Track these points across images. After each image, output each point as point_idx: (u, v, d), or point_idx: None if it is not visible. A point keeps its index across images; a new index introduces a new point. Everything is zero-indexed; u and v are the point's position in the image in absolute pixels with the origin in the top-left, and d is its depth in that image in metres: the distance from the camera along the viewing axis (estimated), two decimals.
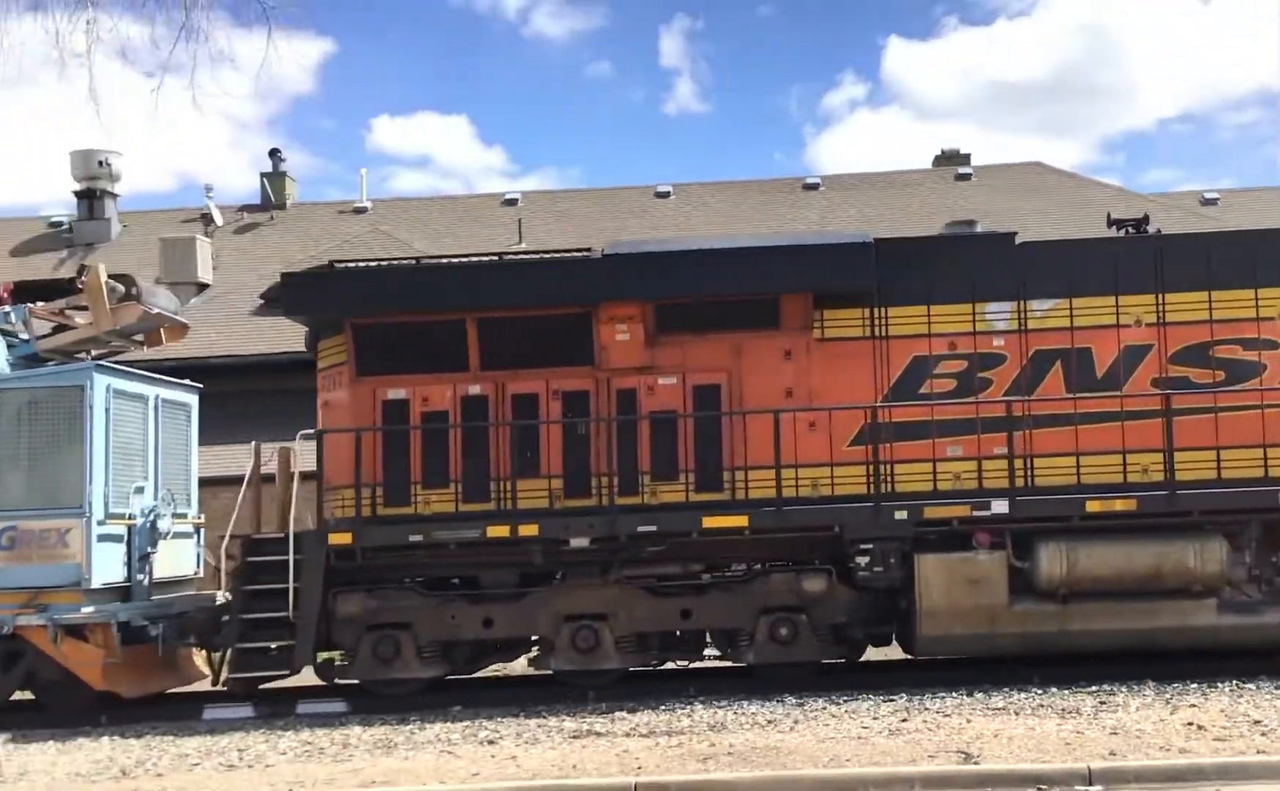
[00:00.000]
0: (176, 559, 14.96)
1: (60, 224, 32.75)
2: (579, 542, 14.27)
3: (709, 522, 14.29)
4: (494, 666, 15.71)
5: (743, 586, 14.57)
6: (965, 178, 34.05)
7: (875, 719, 12.09)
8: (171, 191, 73.42)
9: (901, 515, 14.38)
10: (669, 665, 15.40)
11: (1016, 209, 30.75)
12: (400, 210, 33.43)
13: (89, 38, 20.19)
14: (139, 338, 15.69)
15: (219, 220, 31.78)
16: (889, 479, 14.75)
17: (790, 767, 10.15)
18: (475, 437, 14.50)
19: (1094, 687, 13.41)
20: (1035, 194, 32.38)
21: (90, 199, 32.14)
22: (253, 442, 15.54)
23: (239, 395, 23.24)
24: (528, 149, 76.50)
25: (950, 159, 35.26)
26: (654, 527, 14.26)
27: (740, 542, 14.54)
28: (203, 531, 15.76)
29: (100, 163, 31.65)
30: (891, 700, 12.96)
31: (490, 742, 11.69)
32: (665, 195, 33.06)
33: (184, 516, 15.24)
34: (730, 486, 14.67)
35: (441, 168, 76.74)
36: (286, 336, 23.55)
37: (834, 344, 14.90)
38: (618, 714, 12.83)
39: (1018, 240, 15.34)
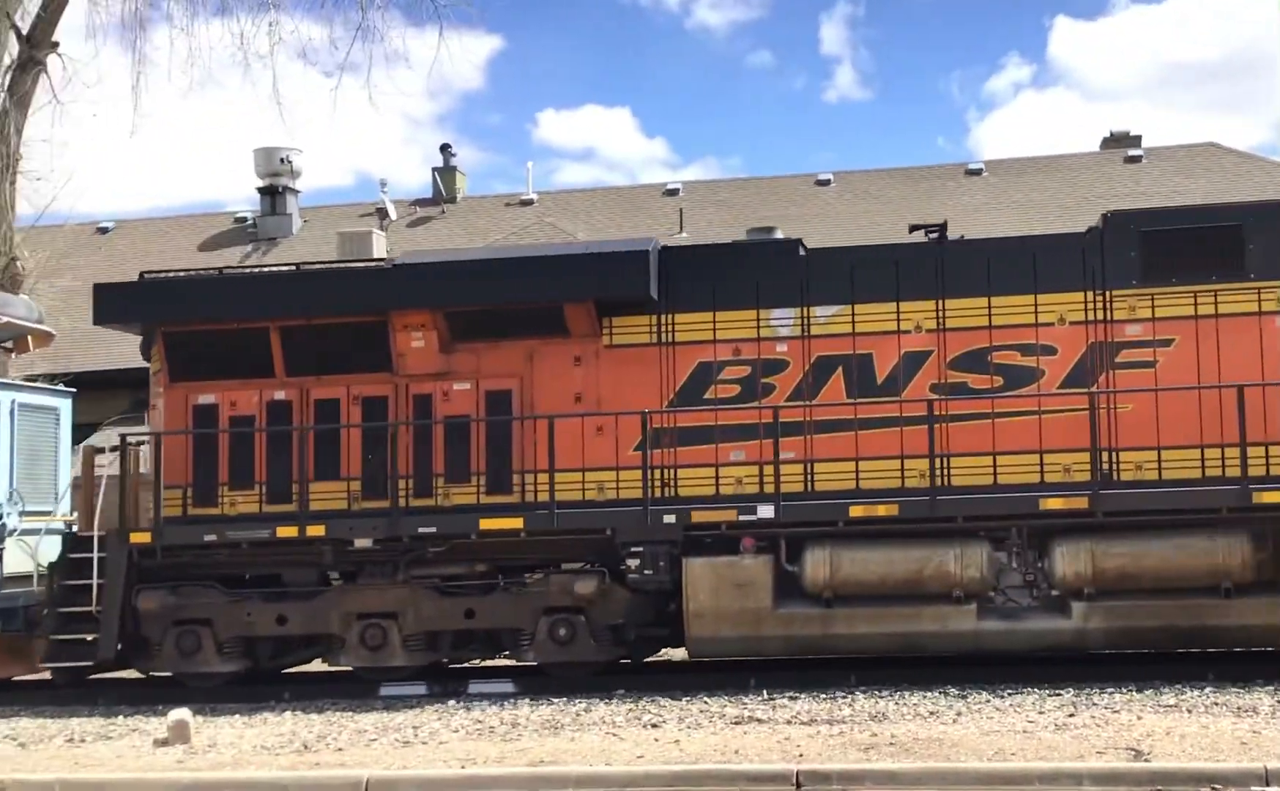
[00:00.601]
0: (23, 556, 16.39)
1: (245, 219, 34.47)
2: (363, 543, 14.90)
3: (486, 524, 14.65)
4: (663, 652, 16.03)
5: (524, 588, 14.82)
6: (1135, 160, 32.46)
7: (1041, 713, 11.87)
8: (349, 187, 76.48)
9: (670, 519, 14.35)
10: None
11: (1187, 190, 29.60)
12: (565, 202, 34.27)
13: (271, 39, 22.73)
14: (8, 345, 17.32)
15: (393, 214, 32.88)
16: (672, 483, 14.73)
17: (953, 759, 10.00)
18: (278, 441, 15.35)
19: (1272, 686, 12.83)
20: (1208, 175, 30.74)
21: (273, 195, 33.65)
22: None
23: None
24: (689, 139, 76.98)
25: (1119, 141, 33.55)
26: (434, 529, 14.73)
27: (519, 544, 14.79)
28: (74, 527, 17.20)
29: (282, 160, 33.09)
30: (1058, 694, 12.69)
31: (653, 726, 11.90)
32: (826, 183, 32.91)
33: (45, 514, 16.68)
34: (520, 489, 14.97)
35: (605, 160, 78.10)
36: None
37: (621, 350, 14.98)
38: (778, 702, 12.86)
39: (801, 249, 15.15)
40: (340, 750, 11.44)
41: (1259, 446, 13.74)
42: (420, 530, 14.73)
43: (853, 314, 14.66)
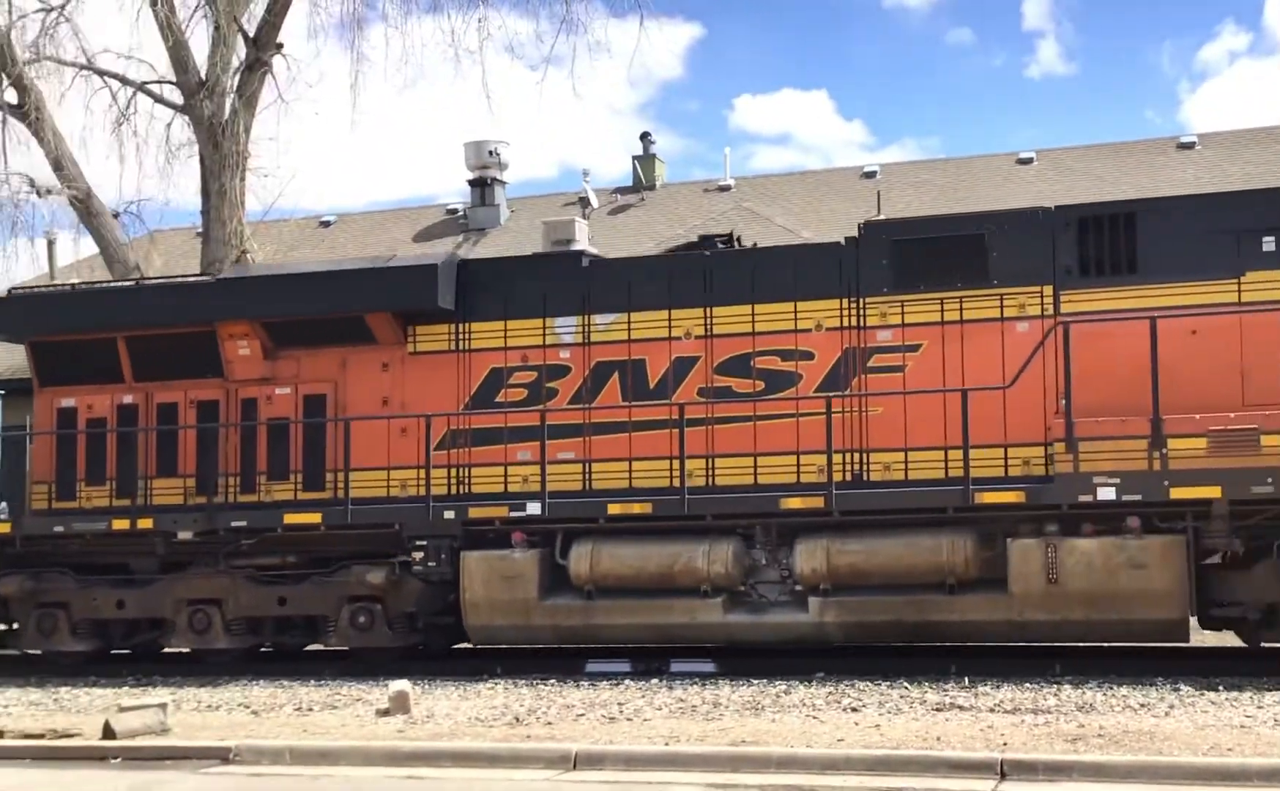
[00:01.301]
0: None
1: (456, 211, 34.61)
2: (185, 535, 16.25)
3: (290, 519, 15.90)
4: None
5: (328, 578, 15.97)
6: None
7: (1259, 708, 11.44)
8: (553, 178, 77.37)
9: (450, 515, 15.38)
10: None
11: None
12: (762, 187, 33.85)
13: (480, 35, 24.33)
14: None
15: (595, 203, 32.49)
16: (467, 481, 15.76)
17: (1165, 754, 9.59)
18: (126, 441, 16.80)
19: None
20: None
21: (482, 187, 33.77)
22: None
23: None
24: (886, 121, 75.04)
25: None
26: (245, 523, 16.02)
27: (321, 538, 15.95)
28: None
29: (490, 153, 33.14)
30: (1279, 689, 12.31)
31: (853, 710, 11.88)
32: (1028, 161, 31.54)
33: None
34: (332, 486, 16.14)
35: (801, 143, 76.29)
36: None
37: (424, 357, 16.07)
38: (981, 689, 12.74)
39: (584, 261, 16.08)
40: (549, 724, 11.72)
41: (997, 449, 14.15)
42: (233, 524, 16.02)
43: (629, 321, 15.50)
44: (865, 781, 9.34)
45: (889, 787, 9.19)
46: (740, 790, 9.36)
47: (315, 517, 15.80)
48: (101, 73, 24.67)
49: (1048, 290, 14.26)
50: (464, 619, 15.32)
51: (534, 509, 15.10)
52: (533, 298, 15.79)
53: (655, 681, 13.96)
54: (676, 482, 14.85)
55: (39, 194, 24.45)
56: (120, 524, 16.39)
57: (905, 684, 13.12)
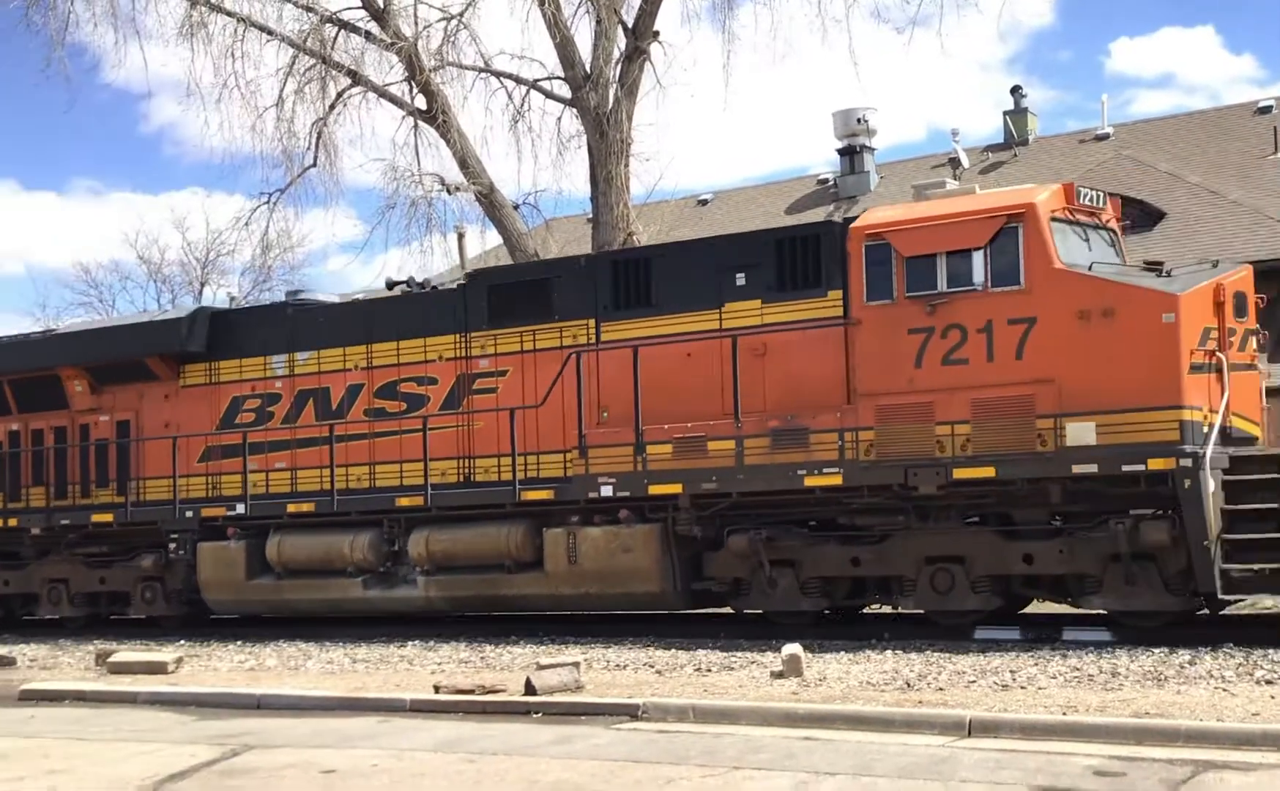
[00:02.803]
0: None
1: (826, 181, 35.34)
2: (35, 531, 21.36)
3: (95, 518, 20.76)
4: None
5: (128, 562, 20.72)
6: None
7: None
8: (922, 141, 76.28)
9: (190, 514, 19.87)
10: None
11: None
12: (1142, 133, 32.89)
13: (847, 2, 24.25)
14: None
15: (965, 163, 32.25)
16: (219, 486, 20.18)
17: None
18: (11, 460, 22.03)
19: None
20: None
21: (851, 155, 34.45)
22: None
23: None
24: None
25: None
26: (68, 521, 21.00)
27: (119, 531, 20.70)
28: None
29: (859, 120, 33.78)
30: None
31: (1267, 682, 11.35)
32: None
33: None
34: (139, 492, 20.88)
35: (1184, 84, 73.06)
36: None
37: (191, 389, 20.55)
38: None
39: (289, 310, 20.12)
40: (940, 689, 11.67)
41: (547, 454, 17.46)
42: (62, 522, 21.00)
43: (319, 357, 19.46)
44: None
45: None
46: (1145, 763, 8.93)
47: (109, 517, 20.58)
48: (498, 74, 26.21)
49: (592, 322, 17.38)
50: (202, 593, 19.75)
51: (241, 509, 19.39)
52: (257, 340, 19.98)
53: (1047, 649, 13.74)
54: (353, 486, 18.78)
55: (448, 191, 25.91)
56: (2, 522, 21.67)
57: None
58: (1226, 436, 14.03)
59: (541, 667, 12.68)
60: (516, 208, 26.22)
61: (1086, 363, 14.08)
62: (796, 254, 16.11)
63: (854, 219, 16.36)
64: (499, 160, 58.49)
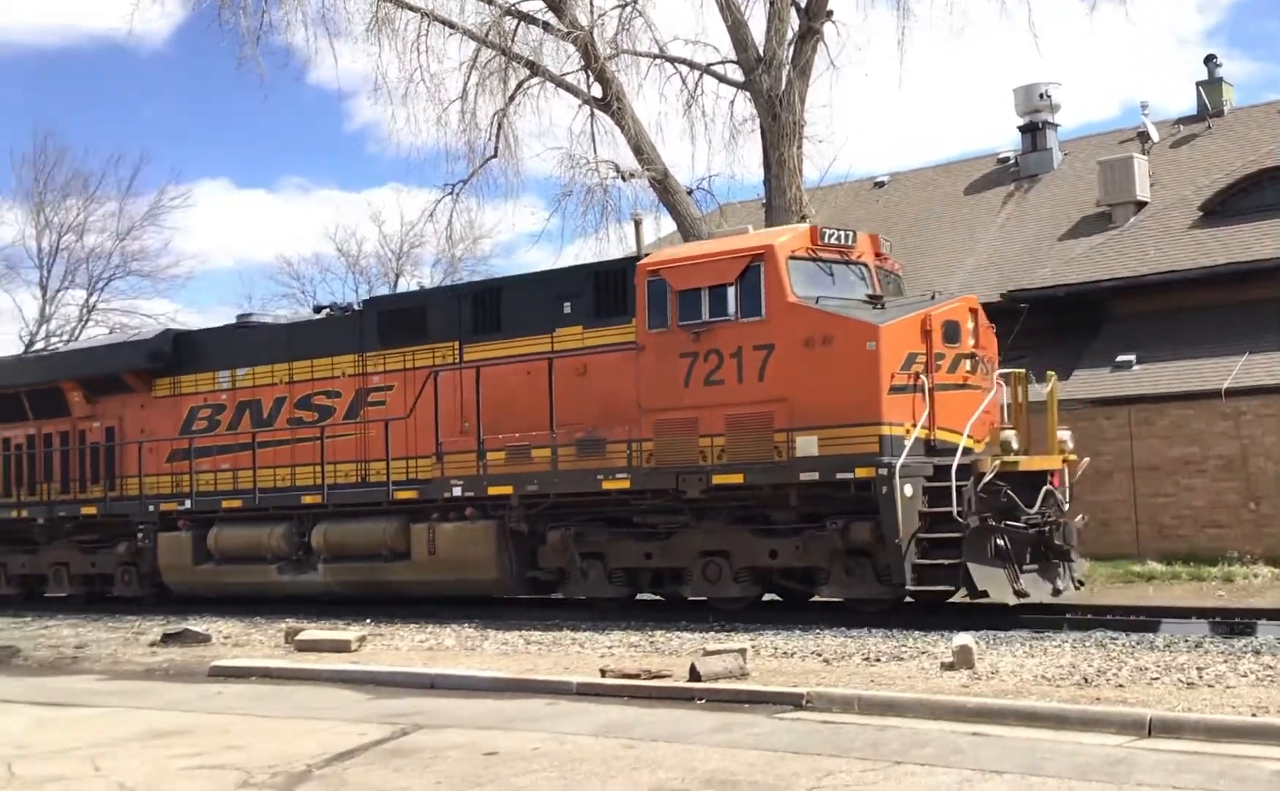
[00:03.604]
0: None
1: (1006, 160, 34.59)
2: (40, 520, 24.88)
3: (84, 510, 24.17)
4: None
5: (111, 549, 24.07)
6: None
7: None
8: (1110, 117, 74.49)
9: (152, 508, 23.08)
10: None
11: None
12: None
13: None
14: None
15: (1155, 137, 31.84)
16: (180, 484, 23.38)
17: None
18: (29, 459, 25.61)
19: None
20: None
21: (1033, 132, 33.77)
22: None
23: (1193, 310, 25.41)
24: None
25: None
26: (64, 513, 24.47)
27: (104, 522, 24.06)
28: None
29: (1041, 96, 33.20)
30: None
31: None
32: None
33: None
34: (120, 488, 24.25)
35: None
36: (1229, 247, 25.13)
37: (160, 400, 23.69)
38: None
39: (235, 331, 23.14)
40: (1120, 686, 11.21)
41: (419, 458, 20.12)
42: (60, 513, 24.47)
43: (254, 373, 22.46)
44: None
45: None
46: None
47: (94, 510, 23.97)
48: (671, 60, 26.24)
49: (457, 344, 19.98)
50: (162, 576, 22.97)
51: (188, 505, 22.53)
52: (211, 358, 23.05)
53: (1239, 645, 13.15)
54: (280, 484, 21.73)
55: (623, 178, 25.93)
56: (17, 514, 25.29)
57: None
58: (930, 448, 15.97)
59: (707, 653, 12.60)
60: (690, 193, 26.34)
61: (811, 383, 16.18)
62: (610, 285, 18.43)
63: (643, 257, 18.64)
64: (672, 146, 59.00)
